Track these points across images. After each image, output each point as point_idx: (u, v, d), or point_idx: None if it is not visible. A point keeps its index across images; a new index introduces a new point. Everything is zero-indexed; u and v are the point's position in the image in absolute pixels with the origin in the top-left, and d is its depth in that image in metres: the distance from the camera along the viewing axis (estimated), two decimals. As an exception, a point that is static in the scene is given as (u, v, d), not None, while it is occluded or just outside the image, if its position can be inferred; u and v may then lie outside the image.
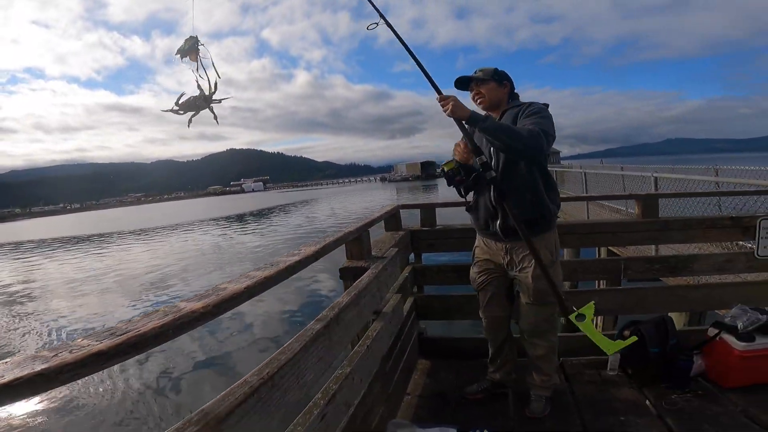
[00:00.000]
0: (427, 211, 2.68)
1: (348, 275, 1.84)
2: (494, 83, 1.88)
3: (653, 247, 4.12)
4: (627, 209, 6.83)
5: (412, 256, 2.77)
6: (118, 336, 0.63)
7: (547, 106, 1.80)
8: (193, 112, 1.75)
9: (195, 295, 0.87)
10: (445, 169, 1.90)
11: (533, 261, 1.78)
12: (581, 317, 1.70)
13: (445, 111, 1.71)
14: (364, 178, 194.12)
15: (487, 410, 2.04)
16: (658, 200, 2.40)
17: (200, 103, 1.76)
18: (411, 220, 2.84)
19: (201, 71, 1.74)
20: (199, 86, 1.75)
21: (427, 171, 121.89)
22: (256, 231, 24.84)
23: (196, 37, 1.76)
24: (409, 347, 2.35)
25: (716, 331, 2.09)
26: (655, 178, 6.18)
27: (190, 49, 1.74)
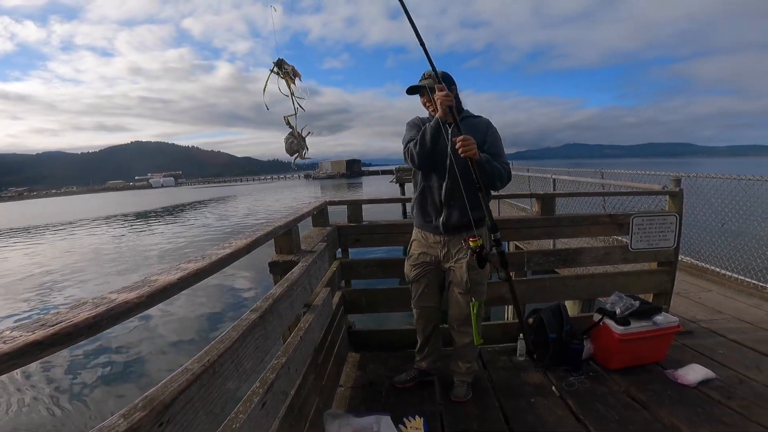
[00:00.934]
0: (354, 207, 2.76)
1: (278, 269, 1.86)
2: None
3: (552, 241, 4.68)
4: (531, 208, 7.65)
5: (339, 251, 2.85)
6: (50, 326, 0.62)
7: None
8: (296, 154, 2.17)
9: (124, 288, 0.85)
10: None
11: (468, 252, 1.94)
12: (473, 308, 1.99)
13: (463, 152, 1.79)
14: (287, 175, 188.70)
15: (416, 397, 2.19)
16: (554, 199, 2.74)
17: (299, 142, 2.13)
18: (338, 215, 2.90)
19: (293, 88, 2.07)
20: (289, 123, 2.12)
21: (352, 169, 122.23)
22: (157, 231, 22.73)
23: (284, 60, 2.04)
24: (339, 340, 2.43)
25: (600, 316, 2.42)
26: (554, 180, 7.11)
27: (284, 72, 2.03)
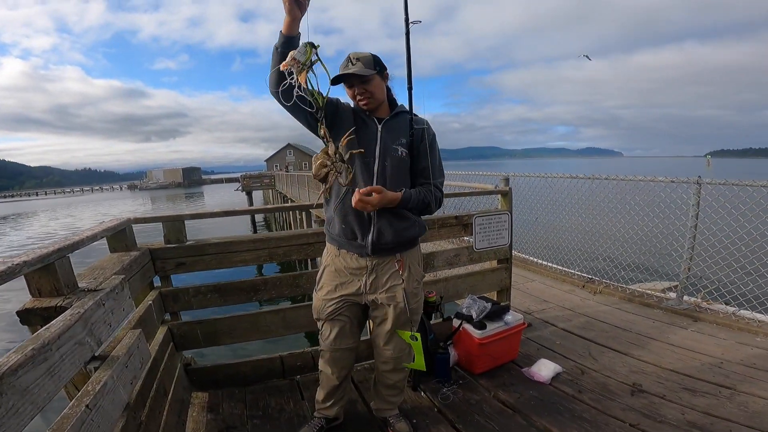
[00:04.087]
0: (173, 224, 2.16)
1: (35, 320, 1.23)
2: (378, 77, 1.56)
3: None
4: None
5: (157, 279, 2.22)
6: None
7: None
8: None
9: None
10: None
11: (405, 277, 1.61)
12: (414, 338, 1.68)
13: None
14: (105, 187, 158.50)
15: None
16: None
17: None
18: (156, 236, 2.26)
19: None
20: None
21: (190, 177, 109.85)
22: None
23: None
24: (174, 383, 1.95)
25: (459, 321, 2.40)
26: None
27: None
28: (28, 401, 0.86)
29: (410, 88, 1.60)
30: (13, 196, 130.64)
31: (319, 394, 1.87)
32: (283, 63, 1.29)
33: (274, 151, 63.74)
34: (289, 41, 1.35)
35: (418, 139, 1.62)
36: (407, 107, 1.66)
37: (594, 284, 4.00)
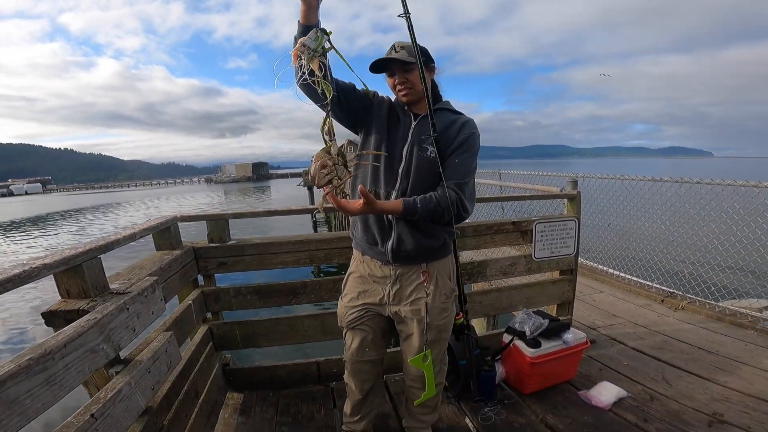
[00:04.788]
0: (216, 223, 2.15)
1: (58, 322, 1.21)
2: (423, 67, 1.43)
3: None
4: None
5: (201, 278, 2.24)
6: None
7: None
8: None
9: None
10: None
11: (430, 290, 1.47)
12: (426, 358, 1.52)
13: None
14: (186, 180, 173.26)
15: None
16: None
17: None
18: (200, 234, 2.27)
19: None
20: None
21: (258, 172, 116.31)
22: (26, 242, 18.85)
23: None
24: (208, 384, 1.96)
25: (510, 337, 2.19)
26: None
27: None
28: (16, 412, 0.81)
29: (423, 80, 1.39)
30: (108, 188, 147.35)
31: (347, 407, 1.75)
32: (294, 49, 1.18)
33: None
34: (307, 31, 1.23)
35: (451, 138, 1.42)
36: (452, 106, 1.52)
37: (676, 299, 3.49)
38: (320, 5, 1.26)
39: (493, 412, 2.00)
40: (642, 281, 3.92)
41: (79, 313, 1.19)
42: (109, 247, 1.42)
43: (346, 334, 1.63)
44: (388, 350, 1.70)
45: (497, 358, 2.25)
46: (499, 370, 2.22)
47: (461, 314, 1.72)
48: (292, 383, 2.34)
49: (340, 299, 1.66)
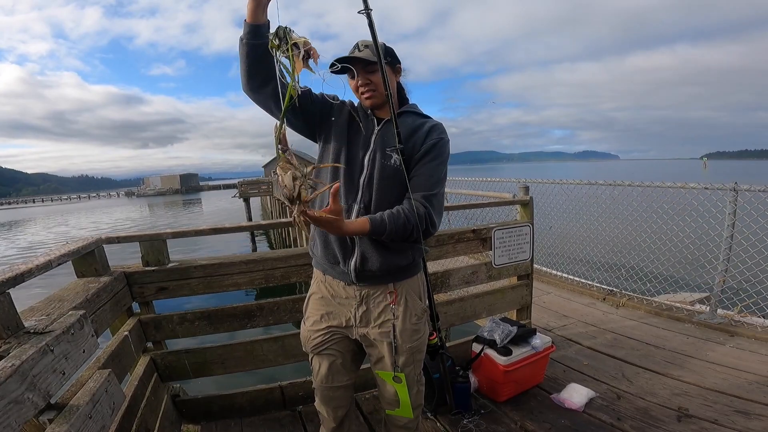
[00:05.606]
0: (151, 244, 1.88)
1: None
2: (389, 68, 1.30)
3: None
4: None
5: (136, 305, 1.95)
6: None
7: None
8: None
9: None
10: None
11: (399, 312, 1.33)
12: (398, 379, 1.39)
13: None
14: (102, 194, 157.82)
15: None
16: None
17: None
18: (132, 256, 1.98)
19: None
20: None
21: (188, 184, 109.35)
22: None
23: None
24: (158, 419, 1.78)
25: (480, 346, 2.17)
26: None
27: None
28: None
29: (385, 82, 1.26)
30: (10, 204, 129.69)
31: None
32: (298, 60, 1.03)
33: (272, 157, 63.36)
34: (255, 31, 1.10)
35: (418, 144, 1.30)
36: (419, 109, 1.41)
37: (616, 297, 3.73)
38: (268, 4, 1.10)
39: (473, 424, 1.97)
40: (584, 281, 4.16)
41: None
42: (18, 279, 1.15)
43: (312, 359, 1.48)
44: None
45: (469, 368, 2.23)
46: (472, 379, 2.20)
47: (435, 334, 1.63)
48: (255, 410, 2.16)
49: (302, 322, 1.50)
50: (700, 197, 3.23)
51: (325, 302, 1.42)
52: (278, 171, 1.07)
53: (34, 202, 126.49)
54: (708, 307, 3.21)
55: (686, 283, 4.13)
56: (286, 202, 1.05)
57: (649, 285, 3.69)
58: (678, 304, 3.39)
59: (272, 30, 1.07)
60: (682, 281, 4.08)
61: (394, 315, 1.35)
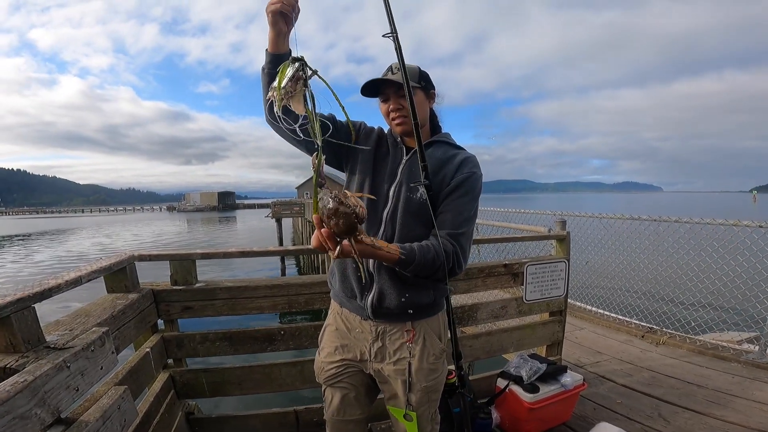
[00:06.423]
0: (181, 263, 1.91)
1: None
2: (422, 93, 1.27)
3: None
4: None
5: (161, 321, 1.98)
6: None
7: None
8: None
9: None
10: None
11: (416, 351, 1.26)
12: (409, 417, 1.32)
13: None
14: (146, 207, 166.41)
15: None
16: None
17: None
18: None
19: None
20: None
21: (225, 202, 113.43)
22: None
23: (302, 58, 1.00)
24: None
25: (505, 382, 2.08)
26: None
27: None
28: None
29: (412, 106, 1.17)
30: (60, 212, 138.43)
31: None
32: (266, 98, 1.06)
33: (305, 179, 64.65)
34: (276, 60, 1.08)
35: (448, 177, 1.22)
36: (451, 139, 1.35)
37: (656, 334, 3.48)
38: (291, 33, 1.10)
39: (491, 462, 1.82)
40: (621, 317, 3.92)
41: (6, 372, 0.96)
42: (45, 294, 1.18)
43: (325, 390, 1.43)
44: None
45: (491, 404, 2.11)
46: (494, 415, 2.08)
47: (453, 373, 1.53)
48: (268, 432, 2.12)
49: (317, 353, 1.46)
50: (754, 236, 2.99)
51: (341, 335, 1.37)
52: (321, 199, 1.00)
53: (83, 212, 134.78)
54: (757, 347, 3.00)
55: (734, 322, 3.81)
56: (342, 234, 0.97)
57: (693, 324, 3.43)
58: (724, 343, 3.13)
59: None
60: (730, 320, 3.77)
61: (410, 353, 1.28)
